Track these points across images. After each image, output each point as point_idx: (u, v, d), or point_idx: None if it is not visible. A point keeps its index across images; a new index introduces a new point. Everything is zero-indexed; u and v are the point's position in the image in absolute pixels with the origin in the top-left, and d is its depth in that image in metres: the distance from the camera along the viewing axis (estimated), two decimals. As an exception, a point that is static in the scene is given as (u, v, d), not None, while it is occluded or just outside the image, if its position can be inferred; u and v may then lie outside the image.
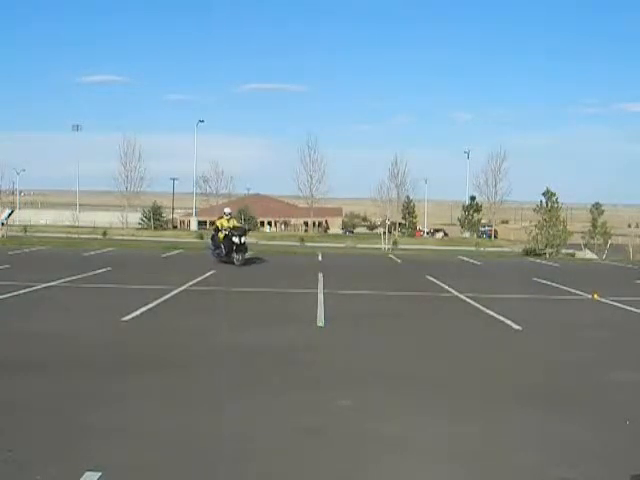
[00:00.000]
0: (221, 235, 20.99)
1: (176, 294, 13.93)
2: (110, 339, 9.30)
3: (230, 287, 15.58)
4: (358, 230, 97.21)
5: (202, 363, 7.98)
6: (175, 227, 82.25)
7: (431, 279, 18.28)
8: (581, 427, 5.88)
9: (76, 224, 66.47)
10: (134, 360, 8.05)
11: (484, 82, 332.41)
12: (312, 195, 74.90)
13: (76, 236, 44.60)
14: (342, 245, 46.72)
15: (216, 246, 21.33)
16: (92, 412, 5.88)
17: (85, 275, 16.94)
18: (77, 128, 80.00)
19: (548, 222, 37.75)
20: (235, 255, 20.62)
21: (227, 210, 22.42)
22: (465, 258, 29.44)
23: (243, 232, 21.17)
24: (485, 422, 5.94)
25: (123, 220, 70.22)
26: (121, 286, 15.21)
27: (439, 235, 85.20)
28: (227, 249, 20.64)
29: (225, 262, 20.59)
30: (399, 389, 7.00)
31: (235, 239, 20.62)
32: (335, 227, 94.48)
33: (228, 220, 21.41)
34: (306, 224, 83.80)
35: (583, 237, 45.70)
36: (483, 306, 13.17)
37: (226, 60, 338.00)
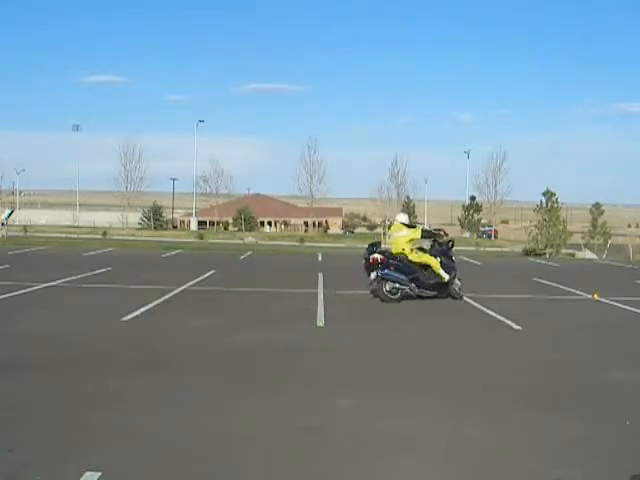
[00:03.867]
0: (422, 257, 13.56)
1: (176, 294, 13.94)
2: (110, 339, 9.30)
3: (230, 287, 15.59)
4: (358, 230, 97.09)
5: (202, 363, 7.98)
6: (175, 227, 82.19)
7: (431, 279, 18.25)
8: (581, 427, 5.88)
9: (76, 224, 66.47)
10: (134, 360, 8.06)
11: (484, 82, 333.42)
12: (312, 195, 74.81)
13: (76, 236, 44.57)
14: (342, 245, 46.72)
15: (410, 270, 13.45)
16: (92, 412, 5.88)
17: (85, 275, 16.95)
18: (77, 128, 79.79)
19: (548, 222, 37.70)
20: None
21: (403, 218, 14.24)
22: (465, 258, 29.41)
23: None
24: (485, 421, 5.94)
25: (123, 220, 70.06)
26: (121, 286, 15.22)
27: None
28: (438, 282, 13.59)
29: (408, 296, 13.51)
30: (398, 388, 7.00)
31: (444, 274, 13.49)
32: (335, 227, 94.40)
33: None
34: (306, 224, 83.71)
35: (583, 237, 45.53)
36: (483, 306, 13.18)
37: (226, 60, 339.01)
